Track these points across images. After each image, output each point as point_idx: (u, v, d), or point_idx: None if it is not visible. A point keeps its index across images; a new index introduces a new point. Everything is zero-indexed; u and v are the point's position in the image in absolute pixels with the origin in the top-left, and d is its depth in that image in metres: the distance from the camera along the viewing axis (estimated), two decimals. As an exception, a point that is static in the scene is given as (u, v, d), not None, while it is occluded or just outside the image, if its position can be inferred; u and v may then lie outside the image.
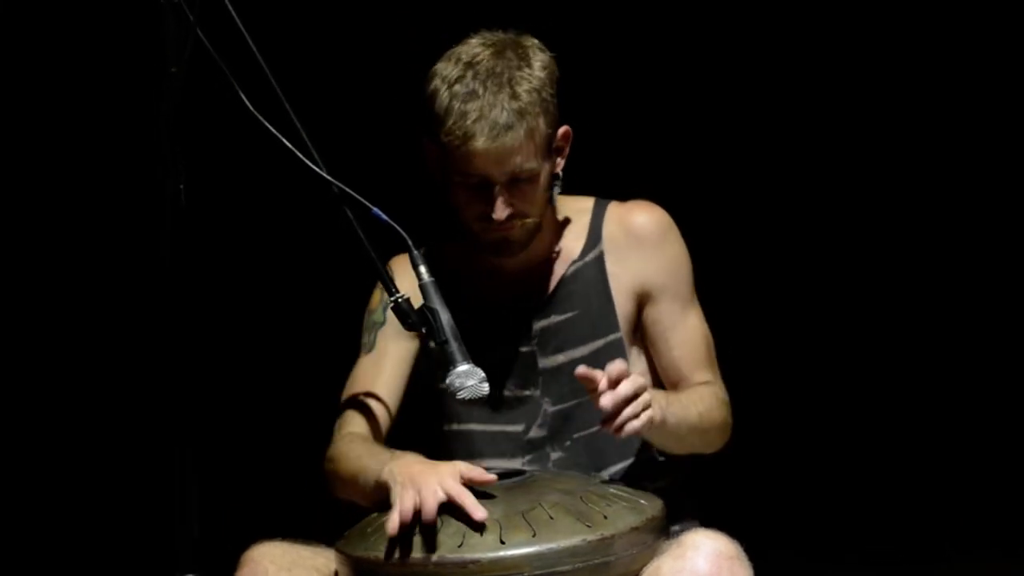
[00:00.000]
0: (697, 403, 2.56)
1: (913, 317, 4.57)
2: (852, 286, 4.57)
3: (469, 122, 2.50)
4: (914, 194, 4.53)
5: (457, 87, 2.53)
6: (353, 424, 2.67)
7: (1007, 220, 4.52)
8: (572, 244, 2.73)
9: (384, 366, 2.72)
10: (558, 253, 2.72)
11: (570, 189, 2.75)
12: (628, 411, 2.33)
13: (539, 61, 2.59)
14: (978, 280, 4.54)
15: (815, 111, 4.47)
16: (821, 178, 4.53)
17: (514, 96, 2.52)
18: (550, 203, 2.69)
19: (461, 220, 2.62)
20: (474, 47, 2.58)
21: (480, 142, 2.50)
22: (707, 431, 2.57)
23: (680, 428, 2.48)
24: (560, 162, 2.67)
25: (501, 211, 2.56)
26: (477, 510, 2.27)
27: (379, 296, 2.72)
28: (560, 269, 2.72)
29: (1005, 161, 4.49)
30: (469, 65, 2.55)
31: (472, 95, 2.51)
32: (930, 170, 4.52)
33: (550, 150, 2.61)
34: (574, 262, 2.72)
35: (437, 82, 2.55)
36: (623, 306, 2.70)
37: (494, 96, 2.51)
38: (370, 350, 2.74)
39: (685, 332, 2.69)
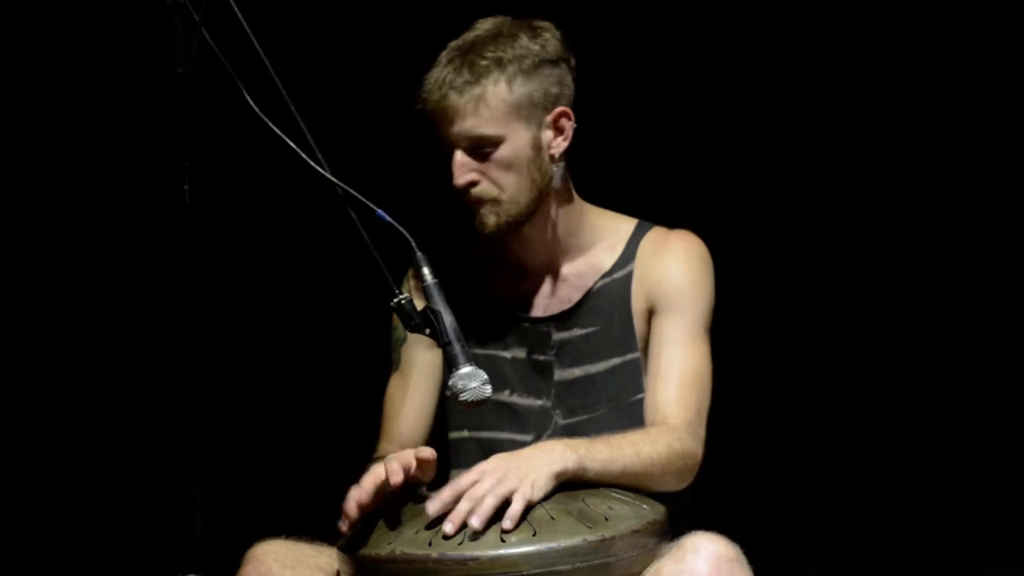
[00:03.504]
0: (637, 443, 2.47)
1: (905, 319, 4.57)
2: (842, 292, 4.57)
3: (426, 83, 2.59)
4: (910, 196, 4.53)
5: (440, 57, 2.61)
6: (385, 444, 2.72)
7: (1005, 221, 4.52)
8: (604, 258, 2.73)
9: (410, 382, 2.76)
10: (589, 265, 2.73)
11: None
12: (464, 506, 2.27)
13: (540, 37, 2.62)
14: (964, 284, 4.53)
15: (817, 119, 4.48)
16: (822, 181, 4.53)
17: (474, 63, 2.57)
18: (554, 190, 2.68)
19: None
20: (486, 23, 2.65)
21: (429, 103, 2.58)
22: (649, 473, 2.46)
23: (610, 472, 2.41)
24: (558, 143, 2.65)
25: (458, 176, 2.59)
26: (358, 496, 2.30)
27: None
28: (588, 281, 2.72)
29: (1004, 162, 4.49)
30: (463, 39, 2.62)
31: (439, 62, 2.60)
32: (929, 174, 4.52)
33: (526, 121, 2.60)
34: (603, 276, 2.71)
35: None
36: (639, 325, 2.69)
37: (455, 61, 2.58)
38: (396, 368, 2.78)
39: (677, 359, 2.62)
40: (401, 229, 2.36)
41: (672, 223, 2.76)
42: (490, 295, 2.74)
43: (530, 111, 2.61)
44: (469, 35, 2.63)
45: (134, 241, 3.93)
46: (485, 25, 2.64)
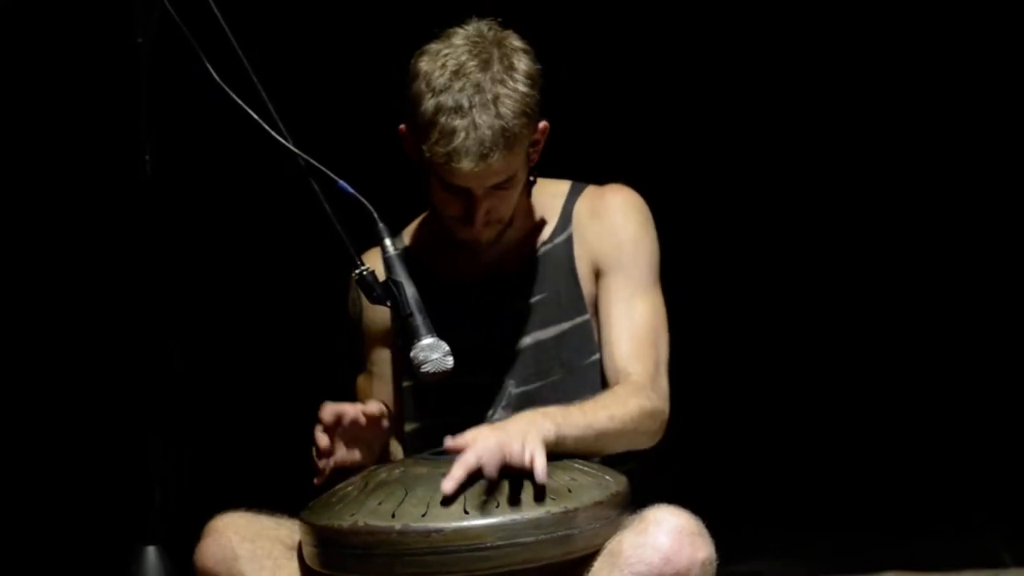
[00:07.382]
0: (609, 406, 2.49)
1: (874, 298, 4.59)
2: (814, 272, 4.58)
3: (457, 142, 2.48)
4: (903, 188, 4.54)
5: (444, 97, 2.50)
6: None
7: (999, 219, 4.53)
8: (544, 225, 2.74)
9: (375, 379, 2.77)
10: (529, 235, 2.73)
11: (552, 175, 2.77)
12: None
13: (523, 69, 2.56)
14: (946, 279, 4.55)
15: (810, 108, 4.47)
16: (815, 172, 4.54)
17: (499, 115, 2.49)
18: (527, 195, 2.71)
19: (436, 213, 2.64)
20: (460, 52, 2.54)
21: (465, 164, 2.49)
22: (623, 434, 2.50)
23: (586, 438, 2.43)
24: (535, 155, 2.66)
25: (480, 221, 2.58)
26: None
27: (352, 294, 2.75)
28: (530, 251, 2.72)
29: (1003, 161, 4.50)
30: (456, 75, 2.51)
31: (458, 111, 2.49)
32: (924, 166, 4.53)
33: (526, 145, 2.60)
34: (543, 244, 2.72)
35: (422, 85, 2.53)
36: (587, 287, 2.70)
37: (479, 115, 2.48)
38: (363, 369, 2.80)
39: (628, 315, 2.64)
40: (364, 201, 2.36)
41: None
42: (436, 272, 2.73)
43: (530, 136, 2.60)
44: (467, 71, 2.51)
45: (96, 211, 3.90)
46: (473, 56, 2.53)
